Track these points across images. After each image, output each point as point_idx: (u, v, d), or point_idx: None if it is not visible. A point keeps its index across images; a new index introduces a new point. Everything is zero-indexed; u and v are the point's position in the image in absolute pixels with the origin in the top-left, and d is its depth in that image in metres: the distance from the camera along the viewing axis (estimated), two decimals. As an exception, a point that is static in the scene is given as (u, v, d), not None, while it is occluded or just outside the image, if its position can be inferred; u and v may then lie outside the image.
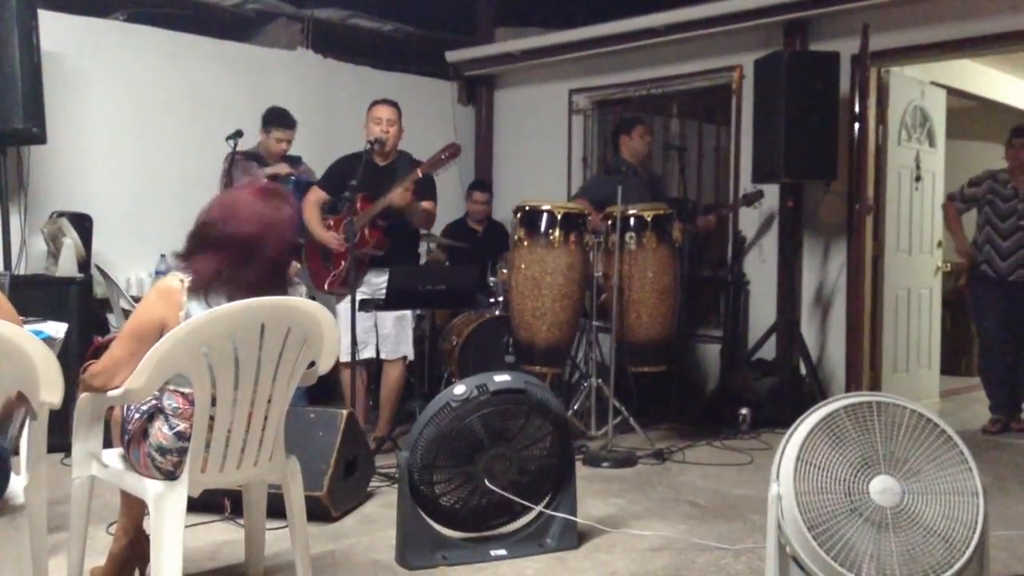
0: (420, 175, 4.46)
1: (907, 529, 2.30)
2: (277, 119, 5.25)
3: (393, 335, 4.70)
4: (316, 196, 4.82)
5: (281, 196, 2.59)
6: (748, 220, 5.90)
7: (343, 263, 4.59)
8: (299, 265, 3.00)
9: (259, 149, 5.29)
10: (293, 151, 5.49)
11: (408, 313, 4.75)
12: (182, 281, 2.45)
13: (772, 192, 5.72)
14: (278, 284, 2.54)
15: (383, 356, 4.72)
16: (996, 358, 5.38)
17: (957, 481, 2.34)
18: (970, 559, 2.28)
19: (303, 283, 2.72)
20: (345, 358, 4.57)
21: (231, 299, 2.42)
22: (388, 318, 4.65)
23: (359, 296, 4.52)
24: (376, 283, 4.63)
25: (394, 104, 4.74)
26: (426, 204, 4.66)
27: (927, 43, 5.34)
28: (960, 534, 2.29)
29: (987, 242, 5.30)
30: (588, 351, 5.23)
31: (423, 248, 5.61)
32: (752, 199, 5.56)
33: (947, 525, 2.30)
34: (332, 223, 4.76)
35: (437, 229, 5.74)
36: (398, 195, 4.41)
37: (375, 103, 4.75)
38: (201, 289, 2.44)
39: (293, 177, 5.19)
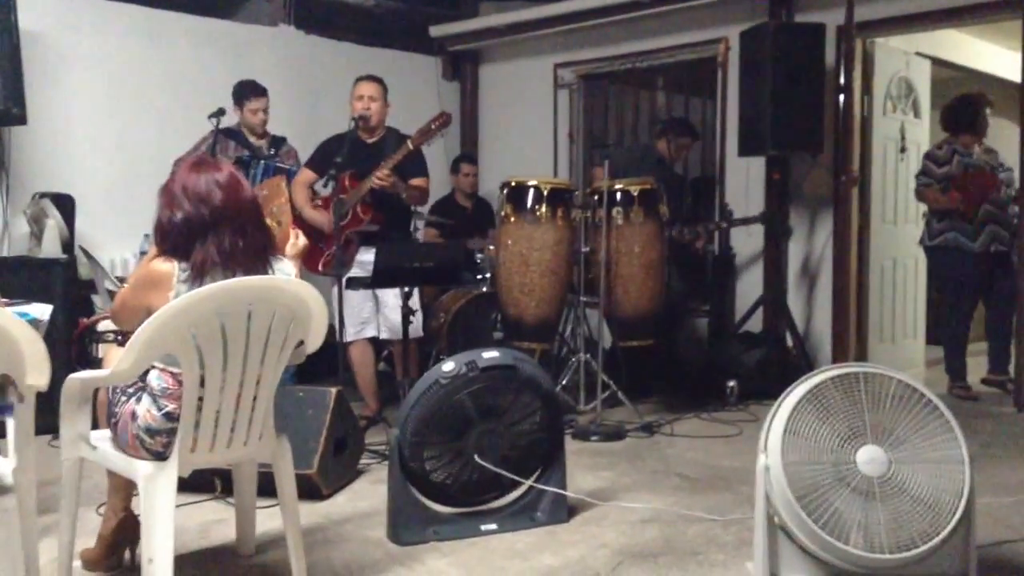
0: (411, 147, 4.45)
1: (894, 498, 2.33)
2: (249, 89, 5.20)
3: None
4: (304, 177, 4.80)
5: (208, 161, 2.62)
6: (735, 193, 5.90)
7: (335, 243, 4.58)
8: (304, 242, 2.96)
9: (238, 127, 5.26)
10: (278, 131, 5.45)
11: (415, 292, 4.70)
12: (174, 264, 2.44)
13: (758, 165, 5.72)
14: (264, 244, 2.55)
15: (385, 337, 4.73)
16: (966, 327, 5.47)
17: (943, 450, 2.37)
18: (956, 526, 2.31)
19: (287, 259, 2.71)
20: (350, 337, 4.59)
21: (226, 275, 2.43)
22: (392, 301, 4.59)
23: (353, 274, 4.52)
24: (367, 261, 4.61)
25: (378, 80, 4.71)
26: (416, 181, 4.64)
27: (912, 13, 5.33)
28: (946, 502, 2.32)
29: (991, 220, 5.29)
30: (576, 326, 5.24)
31: (412, 226, 5.59)
32: (751, 222, 5.62)
33: (934, 493, 2.33)
34: (321, 203, 4.74)
35: (425, 208, 5.72)
36: (380, 178, 4.40)
37: (358, 80, 4.72)
38: (199, 276, 2.43)
39: (263, 162, 5.16)
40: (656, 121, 6.19)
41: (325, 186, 4.74)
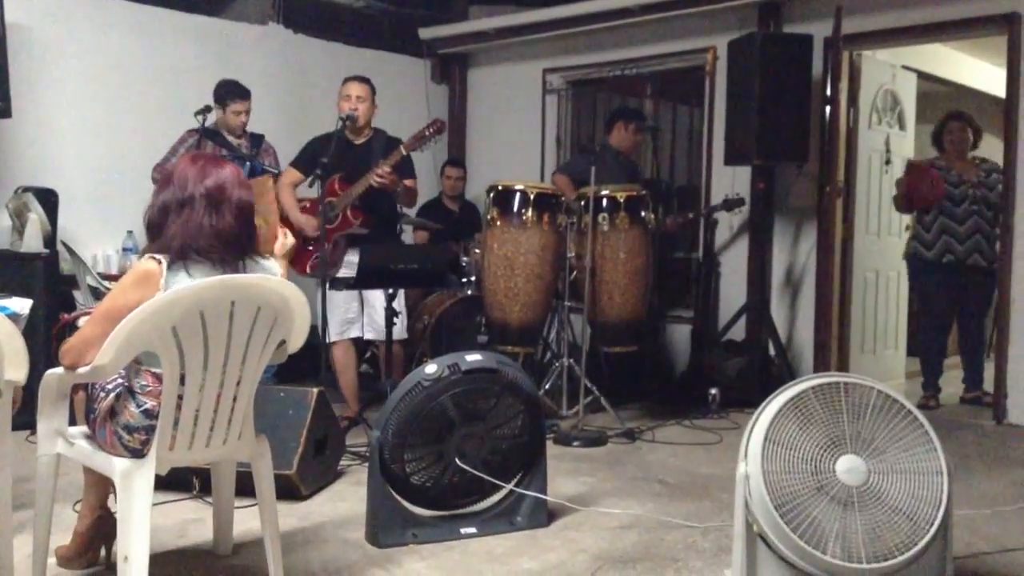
0: (404, 152, 4.44)
1: (872, 508, 2.33)
2: (232, 91, 5.11)
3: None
4: (291, 178, 4.77)
5: (213, 156, 2.65)
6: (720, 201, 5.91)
7: (324, 244, 4.56)
8: (292, 241, 2.92)
9: (217, 126, 5.15)
10: (265, 130, 5.43)
11: (400, 294, 4.69)
12: (160, 262, 2.41)
13: (744, 174, 5.75)
14: (247, 239, 2.53)
15: (371, 337, 4.74)
16: (937, 339, 5.58)
17: (922, 460, 2.38)
18: (934, 537, 2.32)
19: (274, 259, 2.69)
20: (333, 338, 4.57)
21: (211, 263, 2.42)
22: (379, 302, 4.56)
23: (341, 275, 4.51)
24: (356, 263, 4.60)
25: (366, 80, 4.70)
26: (407, 182, 4.64)
27: (899, 27, 5.37)
28: (924, 513, 2.33)
29: (943, 231, 5.39)
30: (560, 331, 5.24)
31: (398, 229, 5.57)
32: (733, 205, 5.62)
33: (912, 504, 2.34)
34: (308, 205, 4.72)
35: (412, 210, 5.70)
36: (380, 175, 4.39)
37: (347, 80, 4.71)
38: (180, 260, 2.41)
39: (248, 164, 5.13)
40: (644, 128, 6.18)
41: (311, 186, 4.72)
